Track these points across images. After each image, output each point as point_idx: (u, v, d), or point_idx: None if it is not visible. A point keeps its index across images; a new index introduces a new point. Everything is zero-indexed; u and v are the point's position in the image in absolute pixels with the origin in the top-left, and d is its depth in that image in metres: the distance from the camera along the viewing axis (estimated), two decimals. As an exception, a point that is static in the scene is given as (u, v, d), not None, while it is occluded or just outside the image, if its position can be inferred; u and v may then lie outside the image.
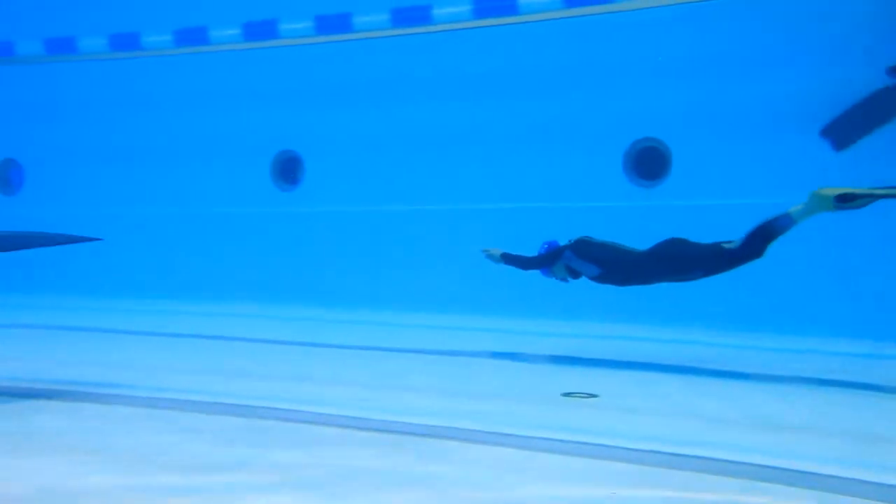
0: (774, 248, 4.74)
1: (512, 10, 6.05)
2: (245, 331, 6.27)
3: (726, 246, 4.83)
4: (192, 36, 7.63)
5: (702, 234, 4.95)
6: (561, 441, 3.01)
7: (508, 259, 5.42)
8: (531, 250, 5.31)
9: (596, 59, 6.85)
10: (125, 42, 7.79)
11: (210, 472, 2.52)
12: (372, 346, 5.67)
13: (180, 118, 8.55)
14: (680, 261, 4.97)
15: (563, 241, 5.21)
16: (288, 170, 8.22)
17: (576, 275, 5.25)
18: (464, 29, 6.30)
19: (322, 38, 6.91)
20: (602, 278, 5.18)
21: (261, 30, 7.27)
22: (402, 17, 6.37)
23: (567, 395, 3.93)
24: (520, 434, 3.11)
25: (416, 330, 6.46)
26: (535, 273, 5.38)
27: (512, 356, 5.49)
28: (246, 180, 8.25)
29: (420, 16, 6.26)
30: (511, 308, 6.78)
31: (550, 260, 5.25)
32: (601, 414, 3.64)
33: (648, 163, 6.78)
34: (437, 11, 6.17)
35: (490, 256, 5.53)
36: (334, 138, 7.81)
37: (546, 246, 5.28)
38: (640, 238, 5.07)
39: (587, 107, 6.83)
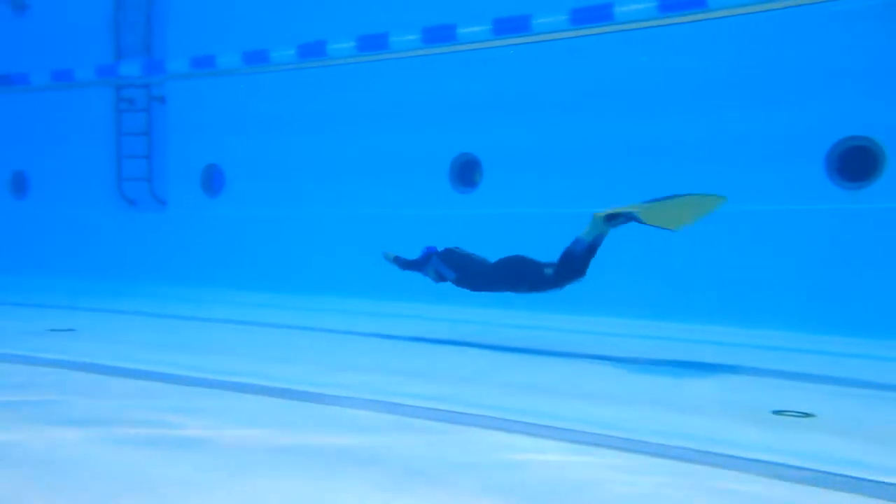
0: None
1: (701, 4, 5.62)
2: (424, 331, 6.34)
3: (547, 270, 5.37)
4: (373, 43, 7.79)
5: None
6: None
7: (397, 261, 6.24)
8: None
9: (799, 59, 6.34)
10: (313, 52, 8.10)
11: None
12: (554, 352, 5.52)
13: (362, 123, 8.84)
14: (513, 275, 5.58)
15: (440, 248, 5.96)
16: (466, 173, 8.27)
17: (442, 278, 5.96)
18: (648, 28, 5.94)
19: (500, 42, 6.79)
20: (458, 282, 5.90)
21: (439, 34, 7.27)
22: (582, 17, 6.11)
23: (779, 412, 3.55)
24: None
25: (594, 336, 6.23)
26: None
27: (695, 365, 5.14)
28: (425, 183, 8.38)
29: (600, 15, 5.98)
30: (683, 311, 6.44)
31: (423, 263, 6.03)
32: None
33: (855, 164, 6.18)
34: (620, 9, 5.85)
35: (385, 257, 6.32)
36: (513, 142, 7.74)
37: (425, 250, 6.03)
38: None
39: (787, 110, 6.35)
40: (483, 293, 5.90)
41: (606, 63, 7.22)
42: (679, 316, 6.59)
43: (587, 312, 6.76)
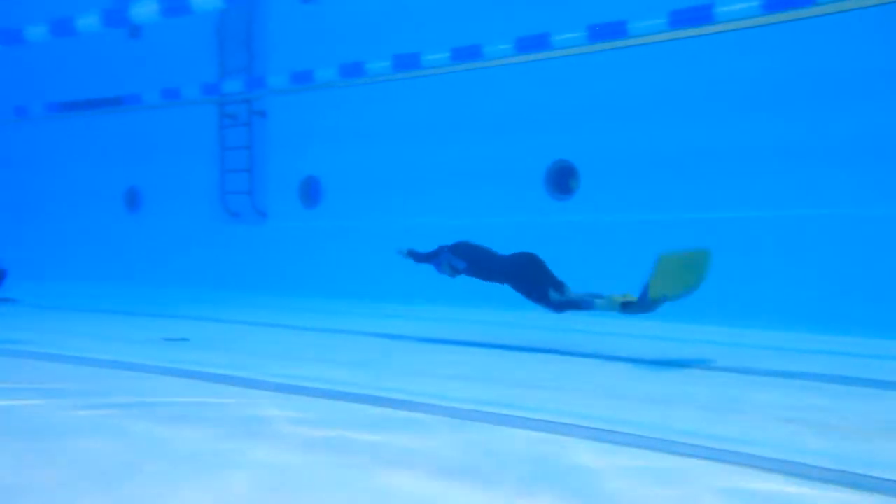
0: None
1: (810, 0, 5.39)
2: (516, 339, 6.32)
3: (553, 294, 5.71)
4: (467, 53, 7.82)
5: None
6: None
7: (411, 255, 6.58)
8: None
9: None
10: (407, 63, 8.20)
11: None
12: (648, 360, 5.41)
13: (457, 133, 8.91)
14: (522, 276, 5.89)
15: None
16: (562, 179, 8.22)
17: (455, 271, 6.26)
18: (747, 29, 5.74)
19: (595, 48, 6.71)
20: (468, 271, 6.21)
21: (533, 43, 7.24)
22: (681, 20, 5.96)
23: None
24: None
25: (696, 345, 6.08)
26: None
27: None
28: (520, 191, 8.38)
29: (700, 16, 5.81)
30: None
31: (436, 256, 6.37)
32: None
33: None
34: (721, 10, 5.68)
35: (399, 252, 6.64)
36: (609, 147, 7.65)
37: (437, 246, 6.43)
38: None
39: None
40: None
41: (705, 66, 7.06)
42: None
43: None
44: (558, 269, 7.16)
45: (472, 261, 6.21)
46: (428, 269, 8.83)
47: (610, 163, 7.75)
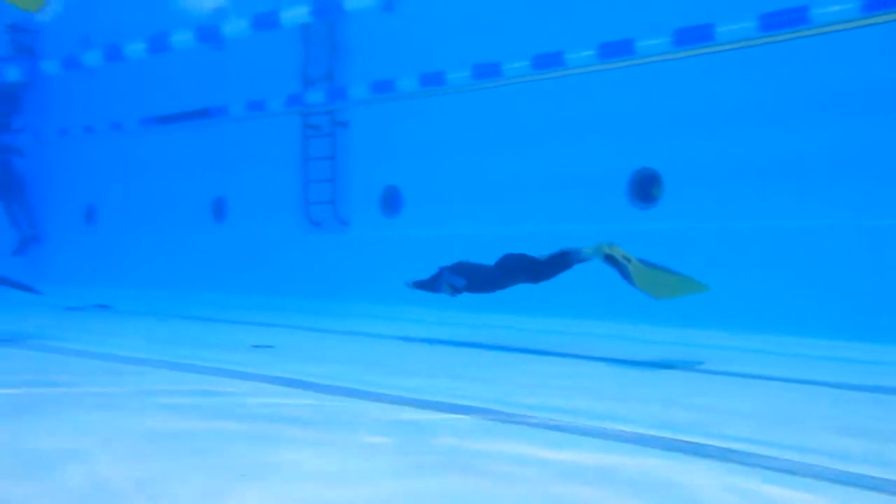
0: None
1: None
2: (605, 350, 6.24)
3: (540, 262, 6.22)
4: (548, 61, 7.79)
5: None
6: None
7: (415, 284, 6.96)
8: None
9: None
10: (488, 72, 8.23)
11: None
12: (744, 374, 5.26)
13: (540, 140, 8.88)
14: (512, 270, 6.38)
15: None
16: (645, 188, 8.09)
17: (456, 290, 6.68)
18: (846, 31, 5.53)
19: (680, 54, 6.58)
20: (469, 288, 6.65)
21: (616, 49, 7.16)
22: (772, 23, 5.79)
23: None
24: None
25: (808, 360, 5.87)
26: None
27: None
28: (602, 199, 8.28)
29: (792, 20, 5.64)
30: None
31: (436, 279, 6.77)
32: None
33: None
34: (816, 12, 5.49)
35: (407, 284, 7.04)
36: (695, 155, 7.49)
37: (437, 269, 6.77)
38: None
39: None
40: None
41: (795, 71, 6.82)
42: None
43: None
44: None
45: (470, 277, 6.68)
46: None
47: (695, 171, 7.57)
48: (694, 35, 6.38)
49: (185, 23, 7.74)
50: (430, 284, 6.85)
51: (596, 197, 8.32)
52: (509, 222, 9.10)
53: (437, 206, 9.78)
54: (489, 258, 9.21)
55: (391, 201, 10.40)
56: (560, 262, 6.24)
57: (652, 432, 3.50)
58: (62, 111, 13.21)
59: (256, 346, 6.51)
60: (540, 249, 8.80)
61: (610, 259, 5.91)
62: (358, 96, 9.65)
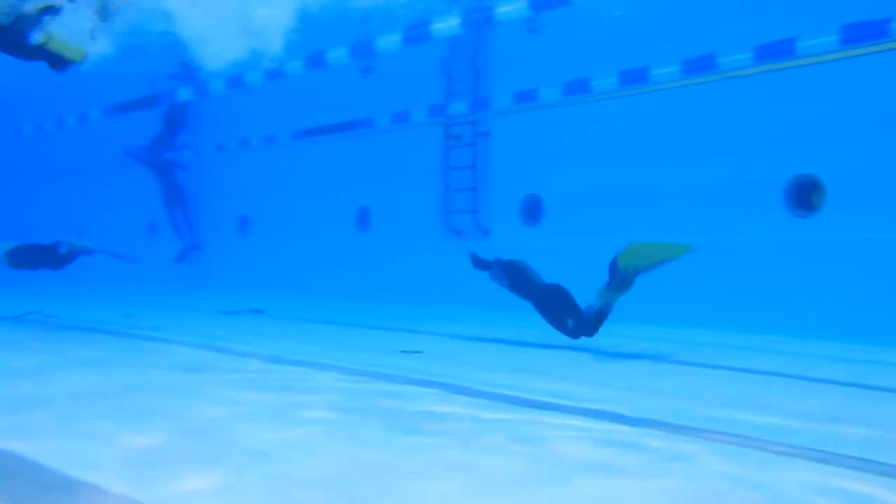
0: None
1: None
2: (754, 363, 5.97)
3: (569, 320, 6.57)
4: (699, 65, 7.56)
5: None
6: None
7: (473, 257, 7.49)
8: None
9: None
10: (634, 79, 8.09)
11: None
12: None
13: (686, 147, 8.63)
14: (546, 302, 6.75)
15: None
16: (804, 196, 7.70)
17: (503, 283, 7.15)
18: None
19: (844, 54, 6.22)
20: (510, 288, 7.10)
21: (772, 51, 6.86)
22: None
23: None
24: None
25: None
26: None
27: None
28: (757, 208, 7.94)
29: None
30: None
31: (490, 266, 7.29)
32: None
33: None
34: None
35: (466, 252, 7.53)
36: (861, 162, 7.05)
37: (495, 258, 7.33)
38: None
39: None
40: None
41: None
42: None
43: None
44: (799, 288, 6.73)
45: (513, 280, 7.10)
46: (643, 289, 8.66)
47: (862, 177, 7.12)
48: (864, 32, 6.00)
49: (339, 40, 8.08)
50: (484, 267, 7.41)
51: (748, 205, 7.98)
52: (655, 232, 8.88)
53: (578, 214, 9.70)
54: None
55: (532, 210, 10.39)
56: (580, 327, 6.60)
57: None
58: (219, 127, 14.08)
59: (404, 352, 6.64)
60: (690, 260, 8.61)
61: (608, 287, 6.38)
62: (501, 106, 9.72)
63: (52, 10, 6.37)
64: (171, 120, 14.25)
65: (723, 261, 8.10)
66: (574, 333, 6.64)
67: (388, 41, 7.77)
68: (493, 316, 9.46)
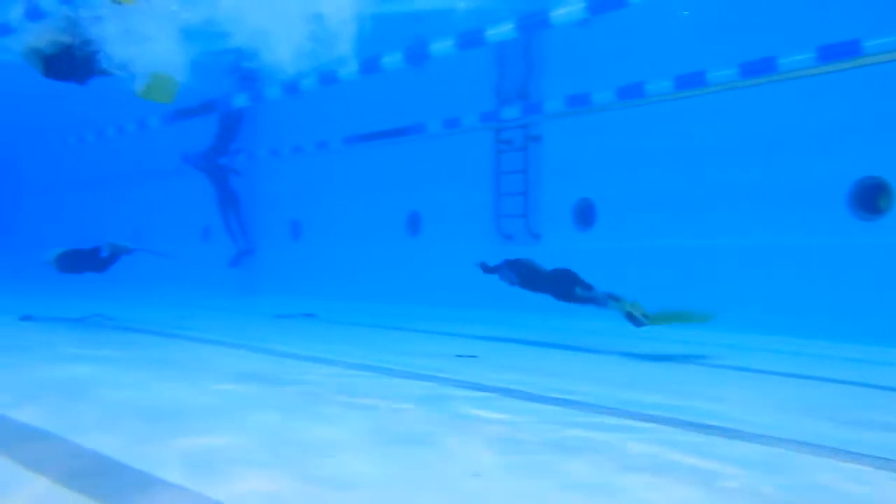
0: None
1: None
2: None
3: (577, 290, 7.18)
4: (758, 67, 7.43)
5: None
6: None
7: (482, 266, 7.96)
8: None
9: None
10: (690, 82, 7.97)
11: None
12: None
13: (742, 150, 8.49)
14: (556, 284, 7.33)
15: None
16: (869, 198, 7.49)
17: (511, 281, 7.67)
18: None
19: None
20: (520, 285, 7.62)
21: (838, 51, 6.70)
22: None
23: None
24: None
25: None
26: None
27: None
28: (818, 211, 7.77)
29: None
30: None
31: (499, 269, 7.77)
32: None
33: None
34: None
35: (474, 263, 8.03)
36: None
37: (502, 260, 7.79)
38: None
39: None
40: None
41: None
42: None
43: None
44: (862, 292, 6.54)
45: (522, 276, 7.59)
46: (706, 292, 8.55)
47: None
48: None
49: (393, 45, 8.11)
50: (493, 270, 7.84)
51: (809, 208, 7.80)
52: (709, 235, 8.75)
53: (632, 218, 9.60)
54: (687, 272, 8.94)
55: (584, 214, 10.31)
56: (589, 296, 7.18)
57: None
58: (273, 132, 14.27)
59: (460, 356, 6.64)
60: (740, 264, 8.48)
61: (629, 316, 6.93)
62: (553, 110, 9.67)
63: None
64: (227, 126, 14.50)
65: (781, 265, 7.96)
66: (582, 300, 7.22)
67: (442, 45, 7.77)
68: (544, 320, 9.42)
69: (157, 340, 7.45)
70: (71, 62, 6.68)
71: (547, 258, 10.43)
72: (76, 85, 7.03)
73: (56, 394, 4.59)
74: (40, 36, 6.73)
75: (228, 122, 14.42)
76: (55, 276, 9.75)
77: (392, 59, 8.18)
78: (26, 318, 9.12)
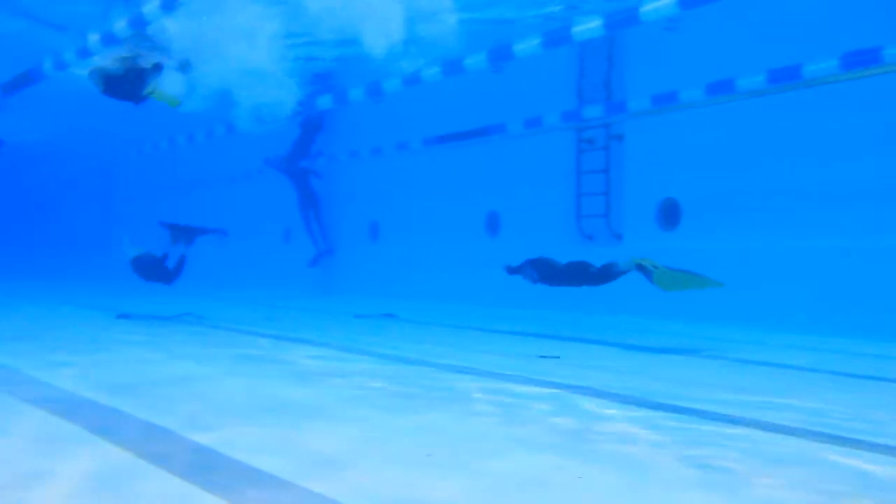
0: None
1: None
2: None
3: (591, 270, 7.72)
4: (860, 59, 7.12)
5: None
6: None
7: (507, 269, 8.21)
8: None
9: None
10: (785, 76, 7.71)
11: None
12: None
13: (835, 147, 8.19)
14: (573, 275, 7.83)
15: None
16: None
17: (533, 279, 8.00)
18: None
19: None
20: (541, 280, 7.97)
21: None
22: None
23: None
24: None
25: None
26: None
27: None
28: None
29: None
30: None
31: (519, 269, 8.07)
32: None
33: None
34: None
35: (503, 268, 8.25)
36: None
37: (524, 260, 8.08)
38: None
39: None
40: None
41: None
42: None
43: None
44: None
45: (543, 273, 7.96)
46: (793, 293, 8.29)
47: None
48: None
49: (476, 47, 8.11)
50: (517, 271, 8.15)
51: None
52: (802, 235, 8.45)
53: (719, 217, 9.35)
54: (777, 273, 8.67)
55: (669, 214, 10.09)
56: (607, 273, 7.62)
57: None
58: (353, 134, 14.46)
59: (543, 357, 6.58)
60: (833, 264, 8.17)
61: (640, 268, 7.33)
62: (638, 109, 9.49)
63: (158, 67, 7.67)
64: (308, 129, 14.77)
65: (867, 266, 7.63)
66: (598, 282, 7.75)
67: (525, 45, 7.72)
68: (627, 321, 9.28)
69: (251, 339, 7.62)
70: (127, 84, 7.53)
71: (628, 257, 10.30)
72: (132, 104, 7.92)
73: (171, 389, 4.73)
74: (104, 59, 7.71)
75: (309, 125, 14.69)
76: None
77: (475, 60, 8.17)
78: (123, 316, 9.47)
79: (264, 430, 3.68)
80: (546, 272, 7.99)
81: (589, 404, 4.48)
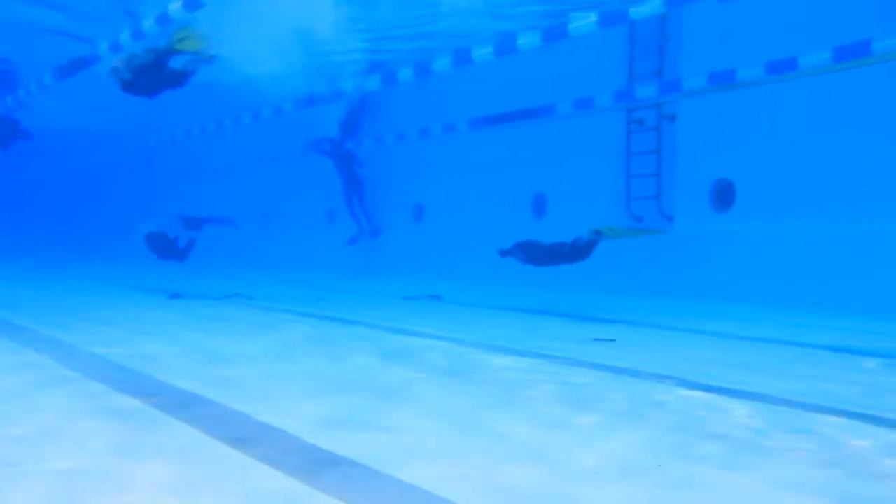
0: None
1: None
2: None
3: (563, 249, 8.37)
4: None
5: None
6: None
7: (500, 252, 8.68)
8: None
9: None
10: (852, 53, 7.45)
11: None
12: None
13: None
14: (552, 253, 8.40)
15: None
16: None
17: (523, 259, 8.54)
18: None
19: None
20: (528, 261, 8.53)
21: None
22: None
23: None
24: None
25: None
26: None
27: None
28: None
29: None
30: None
31: (510, 251, 8.56)
32: None
33: None
34: None
35: (498, 252, 8.71)
36: None
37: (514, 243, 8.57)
38: None
39: None
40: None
41: None
42: None
43: None
44: None
45: (529, 254, 8.44)
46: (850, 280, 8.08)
47: None
48: None
49: (530, 26, 7.98)
50: (508, 253, 8.61)
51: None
52: (862, 218, 8.21)
53: (774, 199, 9.12)
54: (836, 256, 8.45)
55: (723, 195, 9.88)
56: (576, 248, 8.19)
57: None
58: (399, 116, 14.38)
59: (597, 340, 6.50)
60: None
61: (598, 233, 8.07)
62: (693, 87, 9.28)
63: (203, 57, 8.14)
64: (353, 112, 14.74)
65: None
66: (571, 258, 8.26)
67: (582, 23, 7.56)
68: (679, 304, 9.14)
69: (306, 321, 7.63)
70: (143, 81, 8.01)
71: (680, 240, 10.13)
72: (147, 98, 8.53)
73: (241, 372, 4.76)
74: (121, 59, 8.09)
75: (354, 108, 14.66)
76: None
77: (527, 40, 8.04)
78: (174, 296, 9.58)
79: (337, 415, 3.65)
80: (531, 253, 8.45)
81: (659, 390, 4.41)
